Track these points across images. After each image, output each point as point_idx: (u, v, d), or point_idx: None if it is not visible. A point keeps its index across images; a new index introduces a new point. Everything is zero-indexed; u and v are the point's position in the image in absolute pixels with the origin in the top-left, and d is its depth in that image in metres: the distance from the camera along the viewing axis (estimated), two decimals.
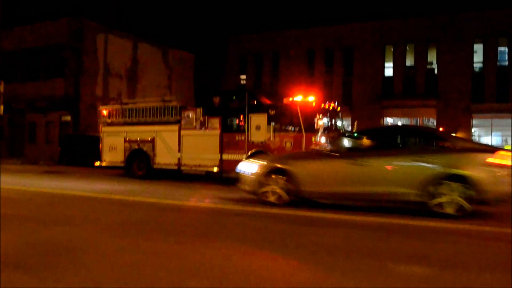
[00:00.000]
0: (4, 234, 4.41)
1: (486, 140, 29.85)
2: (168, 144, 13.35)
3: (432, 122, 30.49)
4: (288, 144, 11.37)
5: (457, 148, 6.84)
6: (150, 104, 14.36)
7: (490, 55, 28.75)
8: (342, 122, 12.94)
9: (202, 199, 8.95)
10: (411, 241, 4.82)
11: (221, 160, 12.35)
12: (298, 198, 7.41)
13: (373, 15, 32.60)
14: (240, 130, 12.26)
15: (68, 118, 27.51)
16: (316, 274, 3.41)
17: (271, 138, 11.61)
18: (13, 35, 29.22)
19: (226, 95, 13.66)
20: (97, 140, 16.27)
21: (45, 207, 7.07)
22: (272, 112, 11.80)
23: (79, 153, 21.49)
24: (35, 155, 26.31)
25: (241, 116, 12.26)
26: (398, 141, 7.66)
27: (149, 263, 3.55)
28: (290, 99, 11.91)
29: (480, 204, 6.57)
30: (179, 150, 13.08)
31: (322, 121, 10.94)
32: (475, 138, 29.62)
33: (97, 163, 15.02)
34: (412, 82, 30.36)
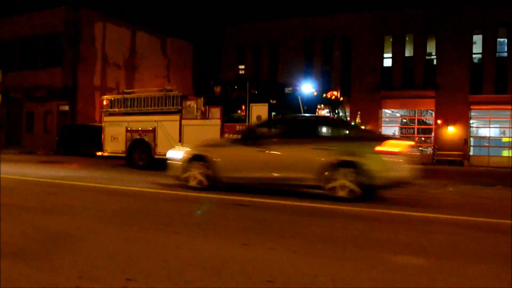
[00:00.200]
0: (2, 224, 4.42)
1: (484, 131, 29.92)
2: (169, 134, 13.35)
3: (430, 113, 30.54)
4: None
5: (352, 137, 7.64)
6: (152, 94, 14.32)
7: (489, 46, 28.70)
8: (345, 111, 12.94)
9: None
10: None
11: None
12: (217, 183, 7.83)
13: (372, 5, 32.43)
14: (241, 120, 12.27)
15: (66, 107, 27.40)
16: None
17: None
18: (10, 23, 28.95)
19: (227, 85, 13.64)
20: (95, 130, 16.20)
21: (43, 196, 7.07)
22: (273, 102, 11.80)
23: (78, 143, 21.43)
24: (33, 144, 26.23)
25: (242, 106, 12.26)
26: (305, 130, 7.99)
27: None
28: (291, 88, 11.90)
29: (372, 188, 7.09)
30: (180, 140, 13.07)
31: (323, 111, 10.96)
32: (473, 129, 29.71)
33: (99, 153, 15.02)
34: (411, 73, 30.33)
